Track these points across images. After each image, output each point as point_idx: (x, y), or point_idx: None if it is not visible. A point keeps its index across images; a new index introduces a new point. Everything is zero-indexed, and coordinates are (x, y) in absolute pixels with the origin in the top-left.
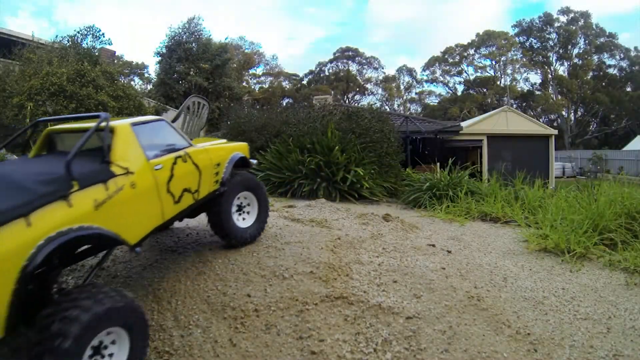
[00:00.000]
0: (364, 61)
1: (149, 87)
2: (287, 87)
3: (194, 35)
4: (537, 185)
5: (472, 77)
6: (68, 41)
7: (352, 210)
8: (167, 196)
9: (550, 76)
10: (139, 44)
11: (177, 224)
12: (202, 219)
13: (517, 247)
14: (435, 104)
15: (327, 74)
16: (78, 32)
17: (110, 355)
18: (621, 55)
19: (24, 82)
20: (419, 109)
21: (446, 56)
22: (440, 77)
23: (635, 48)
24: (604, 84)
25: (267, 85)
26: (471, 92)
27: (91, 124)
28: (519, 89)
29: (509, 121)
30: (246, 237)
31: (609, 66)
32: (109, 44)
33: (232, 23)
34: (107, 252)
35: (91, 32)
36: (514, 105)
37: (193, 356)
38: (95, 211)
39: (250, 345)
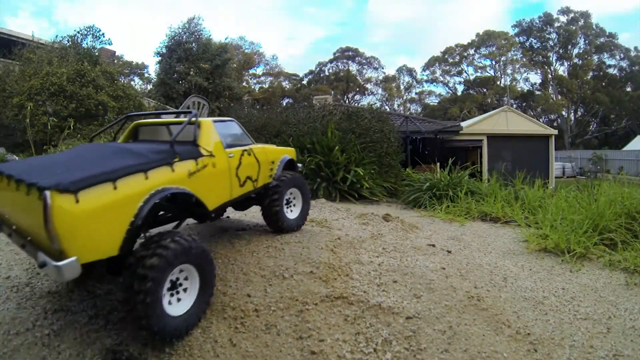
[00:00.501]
0: (364, 61)
1: (149, 87)
2: (287, 87)
3: (194, 35)
4: (537, 185)
5: (472, 77)
6: (68, 41)
7: (352, 210)
8: (235, 179)
9: (550, 76)
10: (139, 44)
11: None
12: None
13: (517, 247)
14: (435, 104)
15: (327, 74)
16: (78, 32)
17: (185, 289)
18: (621, 55)
19: (24, 82)
20: (419, 109)
21: (446, 56)
22: (440, 77)
23: (635, 48)
24: (604, 84)
25: (267, 85)
26: (471, 92)
27: (173, 119)
28: (519, 89)
29: (509, 121)
30: (293, 227)
31: (609, 66)
32: (109, 44)
33: (232, 23)
34: (181, 221)
35: (91, 32)
36: (514, 105)
37: (193, 356)
38: (188, 178)
39: (250, 345)
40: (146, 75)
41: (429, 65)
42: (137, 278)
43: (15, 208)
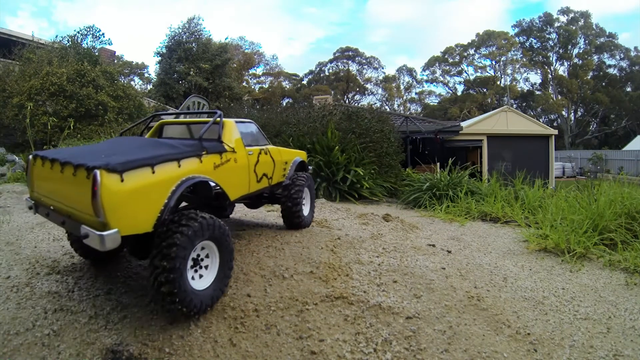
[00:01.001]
0: (364, 61)
1: (149, 87)
2: (287, 87)
3: (194, 35)
4: (537, 185)
5: (472, 77)
6: (68, 41)
7: (352, 210)
8: (253, 175)
9: (550, 76)
10: (139, 44)
11: None
12: None
13: (517, 247)
14: (435, 104)
15: (327, 74)
16: (78, 32)
17: (206, 267)
18: (621, 55)
19: (24, 82)
20: (419, 109)
21: (446, 56)
22: (440, 77)
23: (635, 48)
24: (604, 84)
25: (267, 85)
26: (471, 92)
27: (195, 119)
28: (519, 89)
29: (509, 121)
30: (308, 223)
31: (609, 66)
32: (109, 44)
33: (232, 23)
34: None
35: (91, 32)
36: (514, 105)
37: (193, 356)
38: (214, 170)
39: (250, 345)
40: (146, 75)
41: (429, 65)
42: (164, 255)
43: (58, 189)
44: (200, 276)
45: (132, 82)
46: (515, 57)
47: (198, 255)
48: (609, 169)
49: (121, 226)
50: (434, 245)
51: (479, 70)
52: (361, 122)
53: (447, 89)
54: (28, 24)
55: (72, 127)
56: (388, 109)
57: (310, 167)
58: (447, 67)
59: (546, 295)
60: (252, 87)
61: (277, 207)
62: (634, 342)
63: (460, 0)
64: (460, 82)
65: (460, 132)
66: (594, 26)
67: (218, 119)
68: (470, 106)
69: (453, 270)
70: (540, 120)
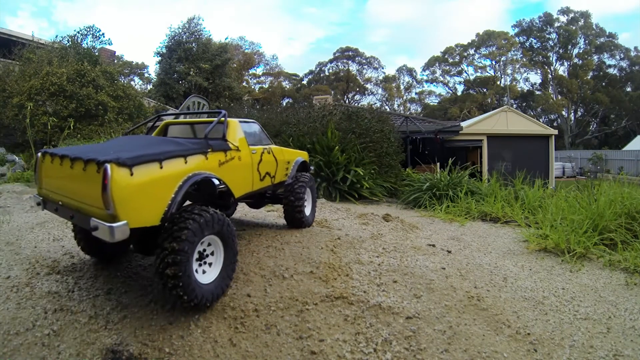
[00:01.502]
0: (364, 61)
1: (149, 87)
2: (287, 87)
3: (194, 35)
4: (537, 185)
5: (472, 77)
6: (68, 41)
7: (352, 210)
8: (256, 173)
9: (550, 76)
10: (139, 44)
11: None
12: None
13: (517, 247)
14: (435, 104)
15: (327, 74)
16: (78, 32)
17: (210, 264)
18: (621, 55)
19: (24, 82)
20: (419, 109)
21: (446, 56)
22: (440, 77)
23: (635, 48)
24: (604, 84)
25: (267, 85)
26: (471, 92)
27: (200, 119)
28: (519, 89)
29: (509, 121)
30: (310, 222)
31: (609, 66)
32: (109, 44)
33: (232, 23)
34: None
35: (91, 32)
36: (514, 105)
37: (193, 356)
38: (218, 167)
39: (250, 345)
40: (146, 75)
41: (429, 65)
42: (175, 237)
43: (67, 184)
44: (204, 272)
45: (132, 82)
46: (515, 57)
47: (204, 250)
48: (609, 169)
49: (130, 219)
50: (434, 245)
51: (479, 70)
52: (361, 122)
53: (447, 89)
54: (28, 24)
55: (72, 127)
56: (388, 109)
57: (311, 168)
58: (447, 67)
59: (546, 295)
60: (252, 87)
61: (277, 207)
62: (634, 342)
63: (460, 0)
64: (460, 82)
65: (460, 132)
66: (594, 26)
67: (222, 118)
68: (470, 106)
69: (453, 270)
70: (540, 120)
